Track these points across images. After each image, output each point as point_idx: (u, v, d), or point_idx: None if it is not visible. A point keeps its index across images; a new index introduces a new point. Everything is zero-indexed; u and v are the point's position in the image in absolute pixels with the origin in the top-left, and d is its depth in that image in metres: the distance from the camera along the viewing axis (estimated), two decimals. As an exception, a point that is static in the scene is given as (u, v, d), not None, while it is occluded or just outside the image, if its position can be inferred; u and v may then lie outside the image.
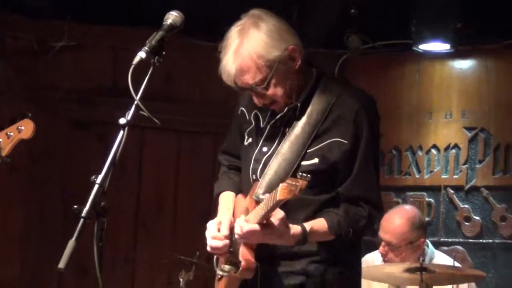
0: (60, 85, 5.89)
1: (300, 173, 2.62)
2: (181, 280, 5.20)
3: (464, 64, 6.01)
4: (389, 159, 6.15)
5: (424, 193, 6.03)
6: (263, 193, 2.83)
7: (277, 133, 2.99)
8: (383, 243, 4.60)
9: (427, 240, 4.73)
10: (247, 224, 2.80)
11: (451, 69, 6.05)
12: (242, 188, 3.11)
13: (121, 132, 2.45)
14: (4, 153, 3.70)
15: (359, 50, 5.92)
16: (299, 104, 2.94)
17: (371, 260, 4.70)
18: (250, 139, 3.07)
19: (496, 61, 5.90)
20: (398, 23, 5.76)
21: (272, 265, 2.95)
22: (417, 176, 6.08)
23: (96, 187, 2.37)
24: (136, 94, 2.49)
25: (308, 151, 2.91)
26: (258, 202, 2.85)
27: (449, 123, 6.01)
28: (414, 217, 4.65)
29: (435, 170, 6.01)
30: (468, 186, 5.89)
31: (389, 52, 6.13)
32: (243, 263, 2.89)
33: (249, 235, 2.80)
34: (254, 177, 3.00)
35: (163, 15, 2.67)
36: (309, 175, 2.58)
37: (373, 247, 4.72)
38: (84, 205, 2.32)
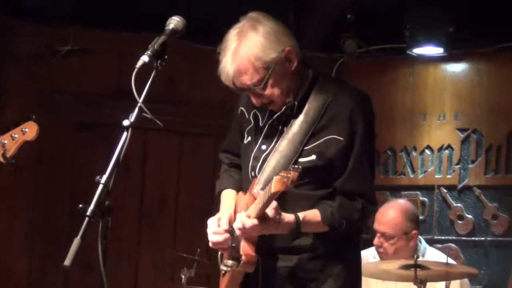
0: (65, 89, 5.91)
1: (292, 165, 2.68)
2: (183, 277, 5.21)
3: (457, 68, 6.01)
4: (384, 159, 6.16)
5: (418, 192, 6.05)
6: (262, 189, 2.87)
7: (275, 132, 3.02)
8: (378, 234, 4.65)
9: (420, 237, 4.75)
10: (248, 219, 2.83)
11: (444, 72, 6.06)
12: (243, 185, 3.12)
13: (125, 133, 2.45)
14: (9, 154, 3.69)
15: (355, 54, 5.92)
16: (296, 103, 2.96)
17: (365, 256, 4.70)
18: (250, 138, 3.10)
19: (488, 65, 5.89)
20: (392, 28, 5.78)
21: (272, 259, 2.97)
22: (411, 176, 6.10)
23: (100, 187, 2.37)
24: (139, 96, 2.49)
25: (305, 148, 2.93)
26: (256, 197, 2.90)
27: (443, 124, 6.01)
28: (407, 209, 4.71)
29: (429, 170, 6.03)
30: (461, 185, 5.92)
31: (384, 56, 6.14)
32: (243, 257, 2.91)
33: (250, 229, 2.83)
34: (253, 174, 3.03)
35: (165, 21, 2.68)
36: (300, 167, 2.62)
37: (365, 244, 4.69)
38: (89, 205, 2.33)
